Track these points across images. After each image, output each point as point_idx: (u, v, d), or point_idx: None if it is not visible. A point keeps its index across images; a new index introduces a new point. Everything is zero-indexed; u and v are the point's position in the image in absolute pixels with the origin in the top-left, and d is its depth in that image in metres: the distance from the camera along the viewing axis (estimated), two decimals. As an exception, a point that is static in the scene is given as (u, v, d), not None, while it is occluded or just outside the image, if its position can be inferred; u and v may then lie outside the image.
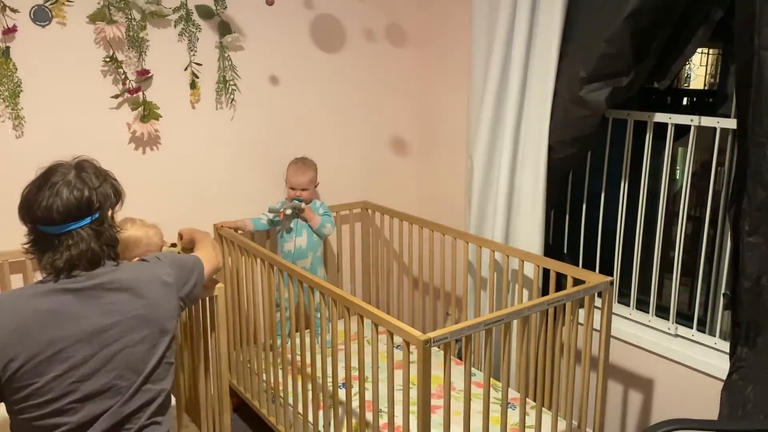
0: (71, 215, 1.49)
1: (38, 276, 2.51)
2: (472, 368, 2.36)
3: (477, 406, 2.16)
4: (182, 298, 1.73)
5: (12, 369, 1.44)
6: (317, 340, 2.49)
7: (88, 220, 1.52)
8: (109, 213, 1.58)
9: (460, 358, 2.73)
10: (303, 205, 2.80)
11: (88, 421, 1.51)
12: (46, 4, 2.35)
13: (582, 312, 2.22)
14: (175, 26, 2.62)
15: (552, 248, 2.75)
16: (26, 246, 1.56)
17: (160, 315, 1.62)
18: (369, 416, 2.17)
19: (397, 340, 1.83)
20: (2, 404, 1.51)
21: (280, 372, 2.51)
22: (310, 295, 2.20)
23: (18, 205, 1.54)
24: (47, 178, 1.52)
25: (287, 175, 2.89)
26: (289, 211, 2.78)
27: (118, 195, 1.62)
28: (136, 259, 1.83)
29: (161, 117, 2.64)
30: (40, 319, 1.47)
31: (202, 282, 1.85)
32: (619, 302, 2.67)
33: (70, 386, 1.48)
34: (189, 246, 2.34)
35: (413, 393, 1.79)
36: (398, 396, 2.06)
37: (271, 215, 2.84)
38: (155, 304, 1.61)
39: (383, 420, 2.12)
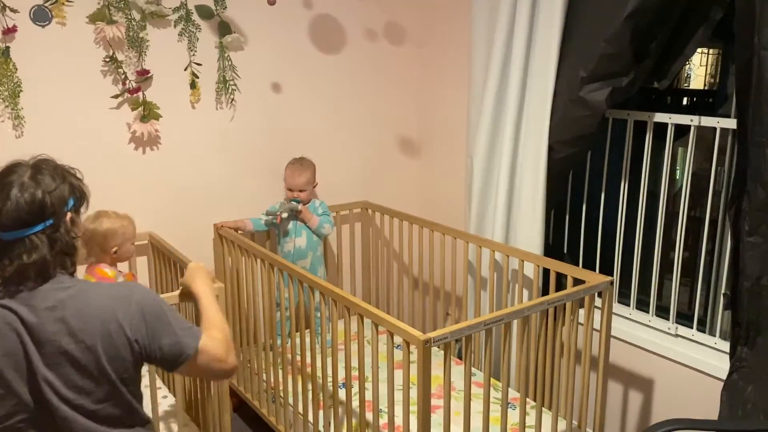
0: (21, 221, 1.34)
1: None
2: (472, 368, 2.35)
3: (477, 406, 2.15)
4: (141, 353, 1.41)
5: None
6: (317, 340, 2.50)
7: (40, 226, 1.36)
8: (68, 217, 1.41)
9: (460, 358, 2.73)
10: (300, 206, 2.80)
11: None
12: (46, 4, 2.35)
13: (582, 312, 2.22)
14: (175, 26, 2.62)
15: (552, 248, 2.75)
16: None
17: (99, 362, 1.37)
18: (369, 416, 2.17)
19: (397, 340, 1.83)
20: None
21: (280, 372, 2.51)
22: (310, 295, 2.20)
23: None
24: (1, 179, 1.38)
25: (285, 176, 2.89)
26: (285, 214, 2.77)
27: (80, 197, 1.46)
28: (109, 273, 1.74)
29: (161, 117, 2.64)
30: None
31: (184, 354, 1.42)
32: (619, 302, 2.67)
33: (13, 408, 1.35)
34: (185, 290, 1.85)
35: (413, 393, 1.79)
36: (398, 396, 2.06)
37: (268, 218, 2.83)
38: (93, 351, 1.36)
39: (383, 420, 2.12)
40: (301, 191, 2.84)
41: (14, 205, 1.34)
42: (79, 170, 1.50)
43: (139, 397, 1.47)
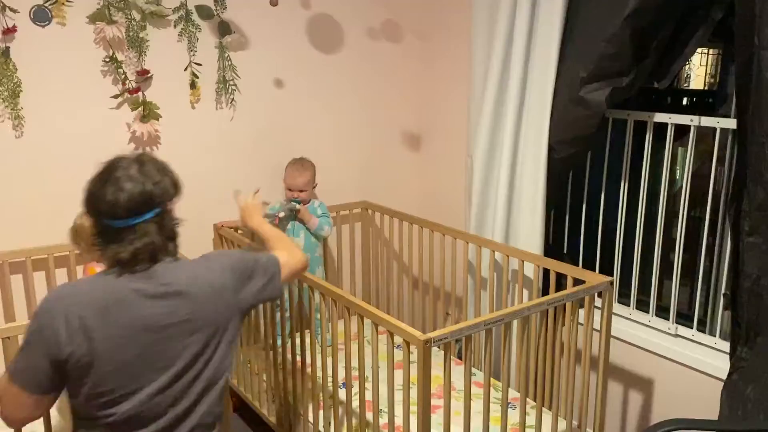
0: (135, 210, 1.49)
1: (37, 277, 2.53)
2: (472, 368, 2.35)
3: (477, 406, 2.15)
4: (243, 300, 1.65)
5: (78, 354, 1.45)
6: (317, 340, 2.49)
7: (151, 214, 1.52)
8: (169, 206, 1.58)
9: (460, 358, 2.73)
10: (299, 206, 2.80)
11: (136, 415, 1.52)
12: (46, 4, 2.35)
13: (582, 312, 2.22)
14: (174, 26, 2.62)
15: (552, 248, 2.75)
16: (92, 238, 1.57)
17: (209, 319, 1.57)
18: (369, 416, 2.17)
19: (397, 340, 1.83)
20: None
21: (280, 372, 2.50)
22: (310, 295, 2.20)
23: (83, 198, 1.54)
24: (110, 173, 1.51)
25: (285, 175, 2.88)
26: (282, 214, 2.75)
27: (177, 188, 1.61)
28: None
29: (161, 117, 2.64)
30: (108, 311, 1.48)
31: (274, 281, 1.74)
32: (619, 302, 2.67)
33: (125, 380, 1.49)
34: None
35: (413, 393, 1.79)
36: (398, 396, 2.06)
37: (267, 219, 2.82)
38: (204, 309, 1.56)
39: (383, 420, 2.12)
40: (301, 191, 2.83)
41: (128, 196, 1.48)
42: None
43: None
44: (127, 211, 1.48)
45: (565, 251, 2.83)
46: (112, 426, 1.50)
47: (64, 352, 1.43)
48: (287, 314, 2.62)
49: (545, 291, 2.41)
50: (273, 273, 1.74)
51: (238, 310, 1.64)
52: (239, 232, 2.78)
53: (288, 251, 1.88)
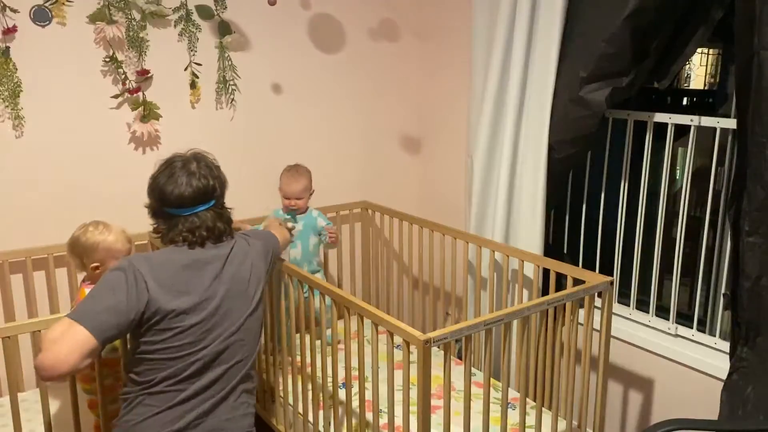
0: (199, 200, 1.76)
1: (37, 276, 2.53)
2: (472, 368, 2.35)
3: (477, 406, 2.15)
4: (270, 263, 2.01)
5: (164, 305, 1.66)
6: (327, 340, 2.48)
7: (212, 203, 1.80)
8: (223, 197, 1.87)
9: (460, 358, 2.73)
10: (291, 224, 2.67)
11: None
12: (46, 4, 2.35)
13: (582, 312, 2.22)
14: (175, 26, 2.62)
15: (552, 248, 2.75)
16: (153, 224, 1.84)
17: (261, 276, 1.91)
18: (369, 416, 2.17)
19: (397, 340, 1.83)
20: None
21: (280, 372, 2.50)
22: (321, 300, 2.17)
23: (149, 190, 1.78)
24: (175, 168, 1.77)
25: (280, 184, 2.80)
26: (290, 225, 2.63)
27: (226, 182, 1.89)
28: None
29: (161, 117, 2.64)
30: (187, 269, 1.72)
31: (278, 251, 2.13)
32: (619, 302, 2.67)
33: (202, 335, 1.72)
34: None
35: (413, 393, 1.79)
36: (398, 396, 2.06)
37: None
38: (258, 269, 1.90)
39: (383, 420, 2.12)
40: (298, 199, 2.76)
41: (194, 189, 1.75)
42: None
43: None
44: (192, 201, 1.75)
45: (565, 251, 2.83)
46: (196, 364, 1.70)
47: (150, 303, 1.63)
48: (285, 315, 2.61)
49: (545, 291, 2.41)
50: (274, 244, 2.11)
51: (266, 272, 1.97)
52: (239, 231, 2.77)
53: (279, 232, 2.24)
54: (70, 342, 1.52)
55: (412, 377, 1.80)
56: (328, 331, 2.70)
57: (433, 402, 1.87)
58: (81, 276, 2.26)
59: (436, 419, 2.00)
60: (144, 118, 2.59)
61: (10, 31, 2.29)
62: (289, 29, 2.91)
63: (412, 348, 1.75)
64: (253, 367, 1.88)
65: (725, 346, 2.24)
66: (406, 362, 1.80)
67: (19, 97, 2.36)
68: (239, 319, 1.80)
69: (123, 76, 2.53)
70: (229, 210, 1.90)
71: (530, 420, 2.13)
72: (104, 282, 1.64)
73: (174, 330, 1.67)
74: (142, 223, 2.60)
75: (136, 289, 1.62)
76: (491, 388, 1.95)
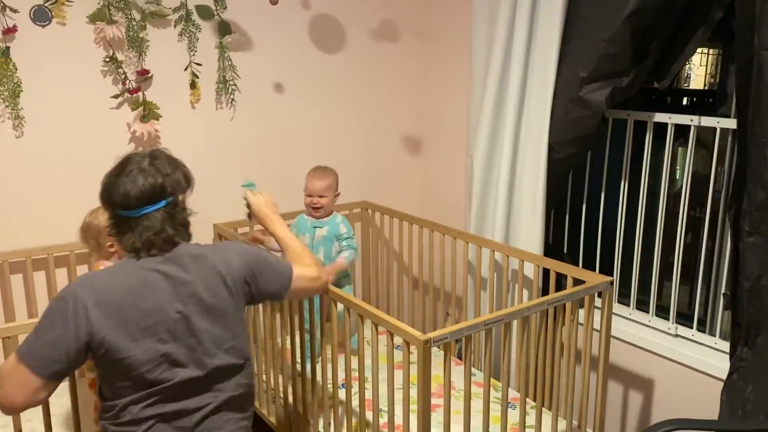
0: (146, 200, 1.59)
1: (37, 276, 2.52)
2: (472, 368, 2.35)
3: (477, 405, 2.15)
4: (251, 290, 1.75)
5: (106, 335, 1.52)
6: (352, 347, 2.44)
7: (162, 203, 1.62)
8: (181, 198, 1.68)
9: (460, 358, 2.73)
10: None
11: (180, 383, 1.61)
12: (46, 4, 2.35)
13: (582, 312, 2.21)
14: (175, 26, 2.62)
15: (552, 248, 2.75)
16: (108, 229, 1.67)
17: (224, 298, 1.67)
18: (369, 416, 2.17)
19: (397, 340, 1.83)
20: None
21: (280, 372, 2.50)
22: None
23: (99, 192, 1.64)
24: (124, 167, 1.61)
25: (305, 182, 2.70)
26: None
27: (188, 181, 1.72)
28: None
29: (161, 117, 2.64)
30: (133, 293, 1.56)
31: (282, 281, 1.81)
32: (619, 302, 2.67)
33: (159, 359, 1.57)
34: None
35: (413, 392, 1.79)
36: (398, 396, 2.06)
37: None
38: (220, 288, 1.67)
39: (383, 420, 2.12)
40: (321, 197, 2.65)
41: (139, 188, 1.58)
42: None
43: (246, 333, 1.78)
44: (138, 201, 1.58)
45: (565, 251, 2.83)
46: (162, 393, 1.57)
47: (92, 334, 1.50)
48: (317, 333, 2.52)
49: (545, 291, 2.41)
50: (284, 275, 1.81)
51: (244, 296, 1.73)
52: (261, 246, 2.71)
53: (308, 262, 1.93)
54: (15, 383, 1.48)
55: (412, 377, 1.80)
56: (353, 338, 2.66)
57: (433, 401, 1.87)
58: (81, 269, 2.26)
59: (437, 417, 2.00)
60: (144, 118, 2.59)
61: (10, 31, 2.29)
62: (290, 29, 2.91)
63: (412, 348, 1.75)
64: (248, 380, 1.74)
65: (725, 346, 2.24)
66: (406, 363, 1.80)
67: (19, 97, 2.36)
68: (212, 338, 1.63)
69: (123, 76, 2.53)
70: (187, 212, 1.71)
71: (530, 420, 2.13)
72: (45, 313, 1.53)
73: (126, 363, 1.54)
74: (142, 223, 2.61)
75: (75, 320, 1.49)
76: (491, 388, 1.95)
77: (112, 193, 1.60)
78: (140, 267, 1.59)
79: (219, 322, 1.64)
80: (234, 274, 1.68)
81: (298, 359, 2.35)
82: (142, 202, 1.59)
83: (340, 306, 2.08)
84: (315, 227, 2.68)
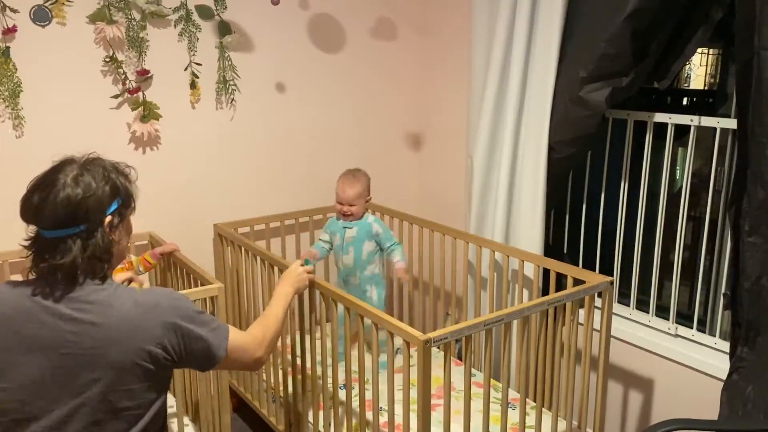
0: (58, 222, 1.35)
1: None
2: (472, 369, 2.35)
3: (477, 405, 2.15)
4: (171, 360, 1.42)
5: None
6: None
7: (74, 229, 1.36)
8: (107, 221, 1.40)
9: (460, 358, 2.73)
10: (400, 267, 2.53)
11: None
12: (46, 4, 2.35)
13: (582, 312, 2.21)
14: (175, 26, 2.62)
15: (552, 248, 2.75)
16: (23, 244, 1.43)
17: (117, 359, 1.35)
18: (369, 416, 2.17)
19: (398, 340, 1.83)
20: None
21: (280, 372, 2.50)
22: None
23: (20, 199, 1.43)
24: (47, 177, 1.39)
25: (336, 187, 2.69)
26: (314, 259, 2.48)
27: (126, 199, 1.45)
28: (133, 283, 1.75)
29: (161, 117, 2.64)
30: (8, 319, 1.37)
31: (216, 357, 1.48)
32: (619, 302, 2.67)
33: (17, 404, 1.36)
34: None
35: (413, 393, 1.79)
36: (398, 396, 2.06)
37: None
38: (114, 347, 1.35)
39: (383, 419, 2.12)
40: (350, 205, 2.64)
41: (51, 205, 1.35)
42: (134, 169, 1.52)
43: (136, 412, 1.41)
44: (51, 222, 1.35)
45: (565, 251, 2.83)
46: None
47: None
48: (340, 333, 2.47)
49: (545, 291, 2.41)
50: (218, 341, 1.48)
51: (151, 359, 1.37)
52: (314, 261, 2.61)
53: (257, 337, 1.63)
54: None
55: (412, 380, 1.80)
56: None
57: (433, 401, 1.87)
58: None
59: (436, 417, 2.00)
60: (144, 118, 2.59)
61: (10, 31, 2.29)
62: (289, 29, 2.91)
63: (413, 351, 1.75)
64: None
65: (725, 346, 2.24)
66: (406, 364, 1.80)
67: (19, 97, 2.36)
68: (67, 403, 1.35)
69: (123, 76, 2.53)
70: (107, 240, 1.40)
71: (530, 420, 2.13)
72: None
73: None
74: (142, 224, 2.61)
75: None
76: (491, 389, 1.95)
77: (25, 206, 1.40)
78: (27, 295, 1.38)
79: (104, 382, 1.36)
80: (142, 331, 1.37)
81: (298, 360, 2.35)
82: (54, 223, 1.35)
83: (341, 307, 2.09)
84: (345, 227, 2.68)
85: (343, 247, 2.68)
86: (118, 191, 1.43)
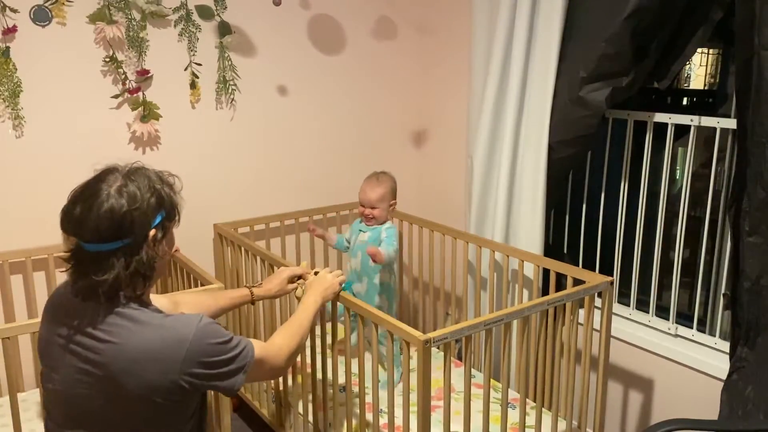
0: (101, 235, 1.29)
1: (37, 277, 2.53)
2: (472, 369, 2.35)
3: (477, 406, 2.15)
4: (194, 387, 1.37)
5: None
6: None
7: (118, 243, 1.30)
8: (151, 235, 1.34)
9: (460, 358, 2.73)
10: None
11: None
12: (46, 4, 2.35)
13: (582, 312, 2.22)
14: (175, 26, 2.62)
15: (552, 248, 2.75)
16: (63, 255, 1.37)
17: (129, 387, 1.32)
18: (369, 417, 2.17)
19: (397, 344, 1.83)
20: None
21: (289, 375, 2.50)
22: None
23: (61, 209, 1.37)
24: (90, 187, 1.33)
25: (360, 189, 2.60)
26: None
27: (170, 210, 1.39)
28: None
29: (161, 117, 2.64)
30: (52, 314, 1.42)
31: (237, 385, 1.42)
32: (619, 302, 2.67)
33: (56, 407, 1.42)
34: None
35: (413, 397, 1.79)
36: (398, 399, 2.06)
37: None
38: (127, 378, 1.31)
39: (383, 420, 2.12)
40: (372, 208, 2.52)
41: (95, 217, 1.28)
42: (179, 178, 1.44)
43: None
44: (94, 235, 1.29)
45: (565, 251, 2.83)
46: None
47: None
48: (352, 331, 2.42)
49: (545, 291, 2.41)
50: (241, 365, 1.42)
51: (167, 392, 1.33)
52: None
53: (278, 347, 1.58)
54: None
55: (412, 385, 1.79)
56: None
57: (433, 402, 1.87)
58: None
59: (436, 418, 2.00)
60: (144, 118, 2.59)
61: (10, 31, 2.29)
62: (290, 29, 2.91)
63: (413, 352, 1.75)
64: None
65: (725, 346, 2.24)
66: (406, 367, 1.80)
67: (19, 97, 2.35)
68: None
69: (123, 76, 2.53)
70: (152, 255, 1.34)
71: (530, 420, 2.13)
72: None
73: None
74: (142, 223, 2.61)
75: None
76: (491, 389, 1.95)
77: (67, 217, 1.34)
78: (70, 297, 1.37)
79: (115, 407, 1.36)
80: (161, 374, 1.32)
81: (298, 360, 2.35)
82: (96, 237, 1.29)
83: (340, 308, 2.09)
84: (360, 231, 2.61)
85: (353, 249, 2.61)
86: (163, 203, 1.37)
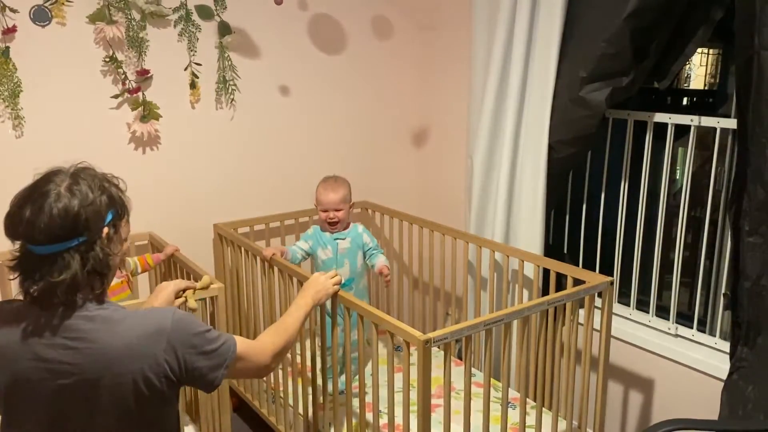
0: (54, 235, 1.26)
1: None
2: (472, 369, 2.35)
3: (477, 405, 2.15)
4: (174, 381, 1.35)
5: None
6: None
7: (74, 242, 1.27)
8: (105, 232, 1.33)
9: (460, 358, 2.73)
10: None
11: None
12: (46, 4, 2.35)
13: (582, 312, 2.22)
14: (175, 26, 2.62)
15: (552, 248, 2.75)
16: (9, 263, 1.31)
17: (114, 382, 1.30)
18: (369, 417, 2.17)
19: (398, 340, 1.83)
20: None
21: (280, 373, 2.50)
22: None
23: (4, 215, 1.30)
24: (37, 188, 1.30)
25: (316, 195, 2.57)
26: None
27: (121, 209, 1.38)
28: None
29: (161, 117, 2.64)
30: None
31: (218, 366, 1.40)
32: (619, 302, 2.67)
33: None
34: None
35: (413, 395, 1.79)
36: (398, 397, 2.06)
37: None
38: (107, 371, 1.28)
39: (383, 420, 2.12)
40: (337, 210, 2.51)
41: (47, 218, 1.25)
42: (123, 180, 1.44)
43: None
44: (46, 236, 1.25)
45: (565, 251, 2.83)
46: None
47: None
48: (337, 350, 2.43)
49: (545, 291, 2.41)
50: (221, 361, 1.40)
51: (148, 385, 1.31)
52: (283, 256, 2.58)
53: (264, 345, 1.56)
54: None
55: (412, 380, 1.80)
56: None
57: (433, 402, 1.87)
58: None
59: (437, 418, 2.00)
60: (144, 118, 2.59)
61: (10, 31, 2.29)
62: (290, 29, 2.91)
63: (413, 350, 1.75)
64: None
65: (725, 346, 2.24)
66: (406, 364, 1.80)
67: (19, 97, 2.36)
68: None
69: (123, 76, 2.53)
70: (107, 252, 1.32)
71: (530, 420, 2.13)
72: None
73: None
74: (142, 224, 2.62)
75: None
76: (491, 389, 1.95)
77: (15, 220, 1.27)
78: (31, 312, 1.30)
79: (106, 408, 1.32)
80: (139, 369, 1.30)
81: (298, 360, 2.35)
82: (50, 237, 1.25)
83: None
84: (336, 239, 2.55)
85: (337, 260, 2.53)
86: (114, 201, 1.37)
